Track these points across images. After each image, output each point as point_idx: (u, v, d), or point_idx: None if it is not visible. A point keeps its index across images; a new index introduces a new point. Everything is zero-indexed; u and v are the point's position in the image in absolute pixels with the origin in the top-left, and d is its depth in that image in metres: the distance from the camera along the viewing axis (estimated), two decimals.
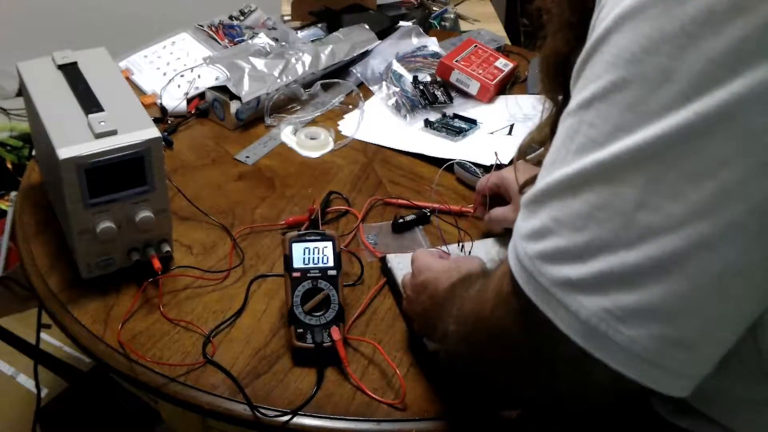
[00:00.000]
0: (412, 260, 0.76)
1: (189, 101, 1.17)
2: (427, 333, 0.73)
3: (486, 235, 0.93)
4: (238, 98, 1.12)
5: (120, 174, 0.78)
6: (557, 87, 0.58)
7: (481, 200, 0.92)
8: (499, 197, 0.91)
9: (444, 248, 0.87)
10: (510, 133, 1.12)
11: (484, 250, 0.89)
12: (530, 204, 0.47)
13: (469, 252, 0.88)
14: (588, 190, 0.43)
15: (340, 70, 1.29)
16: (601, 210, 0.42)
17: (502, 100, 1.24)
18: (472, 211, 0.96)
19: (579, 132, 0.44)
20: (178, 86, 1.19)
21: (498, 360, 0.54)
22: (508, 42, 1.49)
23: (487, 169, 1.03)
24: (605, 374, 0.43)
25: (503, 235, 0.91)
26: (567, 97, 0.54)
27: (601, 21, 0.44)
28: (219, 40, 1.32)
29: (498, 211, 0.89)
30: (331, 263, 0.78)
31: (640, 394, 0.44)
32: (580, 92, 0.44)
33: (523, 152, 0.74)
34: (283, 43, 1.27)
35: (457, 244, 0.89)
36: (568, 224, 0.44)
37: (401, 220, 0.94)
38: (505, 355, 0.53)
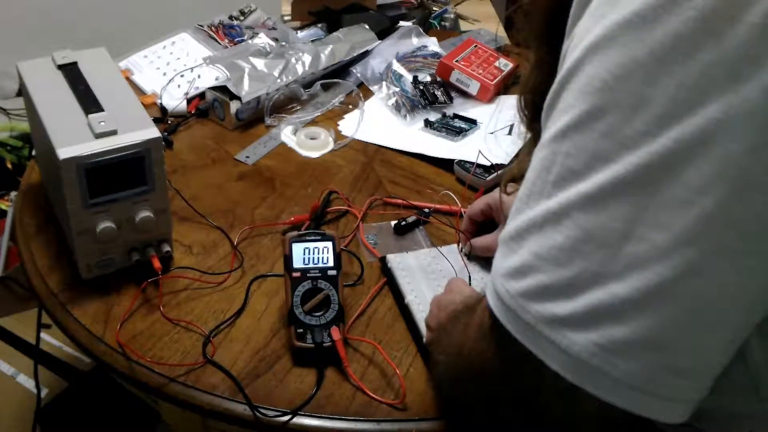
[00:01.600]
0: (448, 283, 0.75)
1: (189, 101, 1.17)
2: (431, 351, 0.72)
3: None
4: (238, 98, 1.12)
5: (120, 174, 0.78)
6: (538, 122, 0.58)
7: (470, 226, 0.89)
8: (489, 223, 0.88)
9: (441, 249, 0.87)
10: (510, 133, 1.12)
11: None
12: (509, 241, 0.46)
13: (468, 253, 0.88)
14: (570, 223, 0.42)
15: (340, 70, 1.29)
16: (585, 243, 0.41)
17: (502, 100, 1.24)
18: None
19: (555, 163, 0.43)
20: (178, 86, 1.19)
21: (479, 395, 0.54)
22: (508, 42, 1.49)
23: (487, 169, 1.03)
24: (593, 404, 0.42)
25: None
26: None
27: (571, 52, 0.43)
28: (219, 40, 1.32)
29: (479, 241, 0.87)
30: (331, 263, 0.78)
31: (630, 420, 0.43)
32: (554, 123, 0.44)
33: (504, 186, 0.73)
34: (283, 43, 1.27)
35: (456, 245, 0.89)
36: (552, 259, 0.43)
37: (403, 222, 0.94)
38: (485, 390, 0.52)
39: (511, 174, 0.70)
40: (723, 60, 0.37)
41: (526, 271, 0.44)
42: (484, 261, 0.87)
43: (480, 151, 1.02)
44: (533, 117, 0.59)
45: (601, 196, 0.41)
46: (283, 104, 1.20)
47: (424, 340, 0.75)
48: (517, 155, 0.67)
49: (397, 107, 1.20)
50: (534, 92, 0.57)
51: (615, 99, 0.40)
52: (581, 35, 0.43)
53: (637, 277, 0.40)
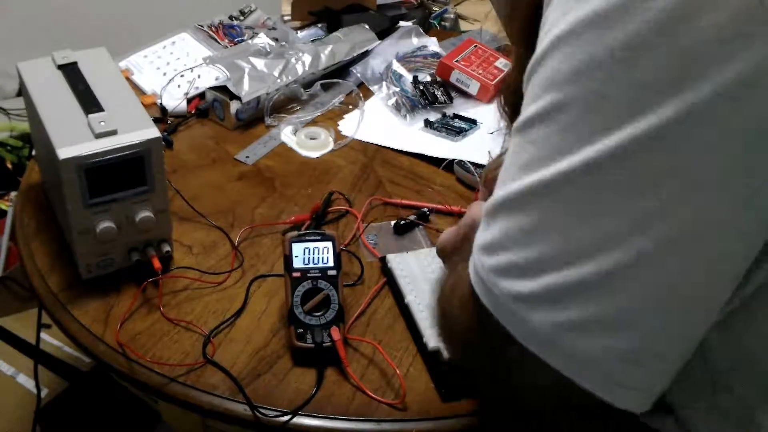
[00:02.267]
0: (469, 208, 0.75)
1: (189, 101, 1.17)
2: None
3: None
4: (238, 98, 1.12)
5: (120, 174, 0.78)
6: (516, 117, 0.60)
7: None
8: None
9: None
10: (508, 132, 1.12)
11: None
12: (486, 215, 0.48)
13: None
14: (533, 207, 0.44)
15: (340, 70, 1.29)
16: (544, 227, 0.43)
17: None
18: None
19: (523, 149, 0.45)
20: (178, 86, 1.19)
21: (461, 354, 0.57)
22: (508, 42, 1.49)
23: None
24: (550, 377, 0.44)
25: None
26: None
27: (540, 40, 0.45)
28: (219, 40, 1.32)
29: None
30: (331, 263, 0.78)
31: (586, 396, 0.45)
32: (524, 110, 0.46)
33: (483, 179, 0.75)
34: (283, 43, 1.27)
35: None
36: (517, 240, 0.45)
37: (403, 222, 0.94)
38: (466, 351, 0.55)
39: (497, 164, 0.70)
40: (678, 62, 0.38)
41: (497, 247, 0.46)
42: None
43: (489, 152, 1.01)
44: (513, 114, 0.61)
45: (560, 184, 0.42)
46: (283, 104, 1.20)
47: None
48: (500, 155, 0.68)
49: (397, 107, 1.20)
50: (512, 90, 0.58)
51: (575, 94, 0.41)
52: (548, 27, 0.44)
53: (591, 263, 0.42)
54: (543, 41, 0.44)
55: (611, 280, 0.41)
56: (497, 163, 0.67)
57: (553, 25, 0.43)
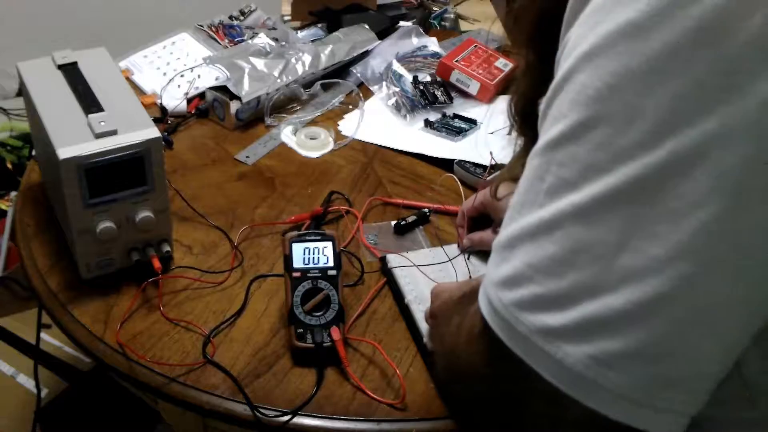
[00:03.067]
0: (432, 291, 0.74)
1: (189, 101, 1.17)
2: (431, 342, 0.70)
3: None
4: (238, 98, 1.12)
5: (120, 174, 0.78)
6: (528, 128, 0.57)
7: (464, 221, 0.89)
8: (484, 217, 0.88)
9: (443, 249, 0.87)
10: (510, 133, 1.12)
11: (483, 251, 0.89)
12: (502, 249, 0.45)
13: (468, 256, 0.88)
14: (564, 234, 0.41)
15: (340, 70, 1.29)
16: (578, 254, 0.41)
17: (502, 100, 1.24)
18: None
19: (549, 172, 0.42)
20: (178, 86, 1.19)
21: (465, 395, 0.54)
22: (508, 42, 1.49)
23: (486, 168, 1.03)
24: (580, 410, 0.42)
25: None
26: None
27: (564, 59, 0.43)
28: (219, 40, 1.32)
29: (476, 236, 0.87)
30: (331, 263, 0.78)
31: (619, 427, 0.43)
32: (547, 131, 0.43)
33: (494, 191, 0.72)
34: (283, 43, 1.27)
35: (456, 245, 0.89)
36: (545, 270, 0.42)
37: (403, 222, 0.94)
38: (471, 391, 0.52)
39: (502, 179, 0.69)
40: (719, 71, 0.36)
41: (519, 280, 0.43)
42: (485, 261, 0.87)
43: (491, 153, 1.01)
44: (523, 122, 0.59)
45: (595, 208, 0.40)
46: (283, 104, 1.20)
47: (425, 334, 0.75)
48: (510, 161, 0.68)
49: (397, 107, 1.20)
50: (524, 98, 0.56)
51: (609, 109, 0.39)
52: (574, 43, 0.42)
53: (631, 289, 0.39)
54: (568, 58, 0.42)
55: (654, 307, 0.39)
56: (510, 175, 0.65)
57: (578, 42, 0.41)
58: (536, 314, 0.42)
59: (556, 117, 0.42)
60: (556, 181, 0.42)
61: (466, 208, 0.89)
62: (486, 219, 0.88)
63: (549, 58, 0.47)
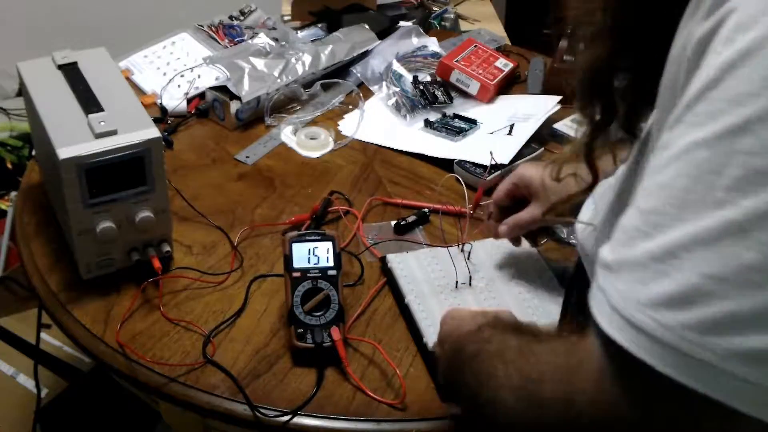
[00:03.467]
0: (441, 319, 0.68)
1: (189, 101, 1.17)
2: (454, 391, 0.59)
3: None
4: (238, 98, 1.12)
5: (120, 174, 0.78)
6: (594, 101, 0.52)
7: (497, 213, 0.85)
8: (515, 200, 0.83)
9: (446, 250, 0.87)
10: (510, 133, 1.12)
11: (484, 251, 0.89)
12: (652, 262, 0.38)
13: (469, 253, 0.88)
14: (764, 235, 0.35)
15: (340, 70, 1.29)
16: None
17: (502, 100, 1.24)
18: (471, 211, 0.96)
19: (730, 164, 0.35)
20: (178, 86, 1.19)
21: None
22: (508, 42, 1.49)
23: (486, 168, 1.03)
24: None
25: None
26: (606, 114, 0.50)
27: (734, 31, 0.37)
28: (219, 40, 1.32)
29: (510, 220, 0.82)
30: (331, 263, 0.78)
31: None
32: (713, 118, 0.37)
33: (557, 172, 0.63)
34: (283, 43, 1.27)
35: (457, 245, 0.89)
36: (739, 281, 0.35)
37: (403, 222, 0.94)
38: None
39: (565, 159, 0.60)
40: None
41: (695, 297, 0.36)
42: (485, 260, 0.87)
43: (491, 153, 1.01)
44: (589, 95, 0.52)
45: None
46: (283, 104, 1.19)
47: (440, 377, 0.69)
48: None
49: (397, 107, 1.20)
50: (594, 64, 0.50)
51: None
52: (723, 40, 0.37)
53: None
54: (745, 32, 0.36)
55: None
56: (573, 156, 0.57)
57: (731, 37, 0.36)
58: (731, 336, 0.35)
59: (731, 99, 0.36)
60: (745, 174, 0.35)
61: (497, 198, 0.84)
62: (514, 207, 0.84)
63: (630, 23, 0.43)
